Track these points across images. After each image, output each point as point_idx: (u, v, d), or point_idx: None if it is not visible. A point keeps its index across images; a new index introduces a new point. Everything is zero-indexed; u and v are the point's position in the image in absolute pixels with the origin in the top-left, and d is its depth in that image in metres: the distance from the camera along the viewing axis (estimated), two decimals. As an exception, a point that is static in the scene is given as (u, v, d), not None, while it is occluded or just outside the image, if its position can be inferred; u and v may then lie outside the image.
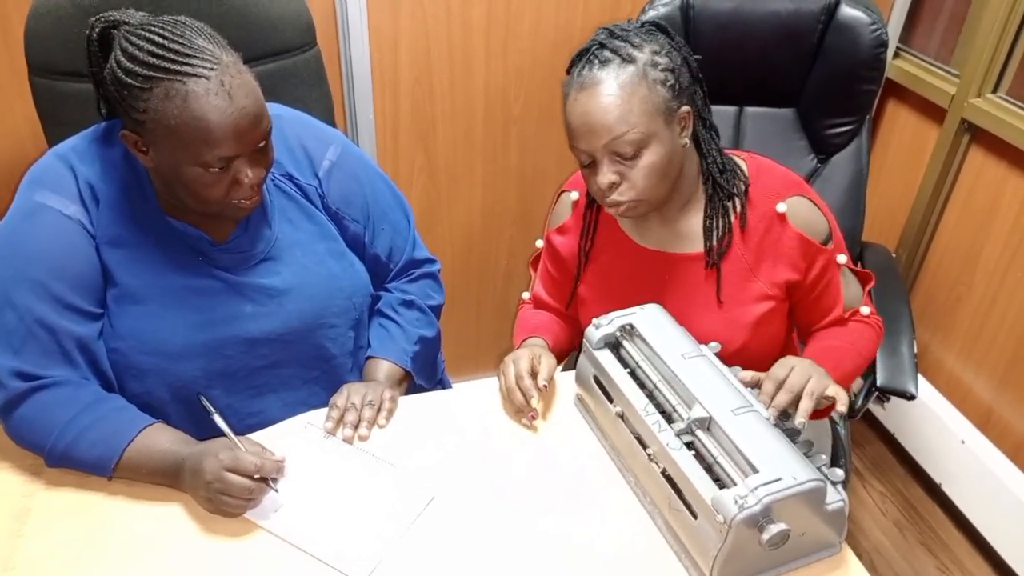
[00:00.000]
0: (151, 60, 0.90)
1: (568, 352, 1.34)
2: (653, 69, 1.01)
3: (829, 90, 1.52)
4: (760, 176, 1.14)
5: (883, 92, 1.99)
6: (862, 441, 2.14)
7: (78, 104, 1.25)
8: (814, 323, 1.20)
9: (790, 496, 0.85)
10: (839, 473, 0.91)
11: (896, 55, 1.96)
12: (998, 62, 1.71)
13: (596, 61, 1.01)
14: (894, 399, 1.38)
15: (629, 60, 1.01)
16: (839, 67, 1.49)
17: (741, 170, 1.13)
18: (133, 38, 0.92)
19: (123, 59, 0.92)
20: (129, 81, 0.91)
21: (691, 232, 1.15)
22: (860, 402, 1.42)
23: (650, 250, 1.18)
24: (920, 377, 1.97)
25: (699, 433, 0.94)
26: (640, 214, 1.09)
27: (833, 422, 1.42)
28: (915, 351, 1.38)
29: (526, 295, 1.36)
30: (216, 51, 0.93)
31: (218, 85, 0.91)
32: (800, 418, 0.94)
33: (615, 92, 1.00)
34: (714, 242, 1.13)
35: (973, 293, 1.86)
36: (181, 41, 0.92)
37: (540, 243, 1.31)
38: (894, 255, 1.66)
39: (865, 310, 1.20)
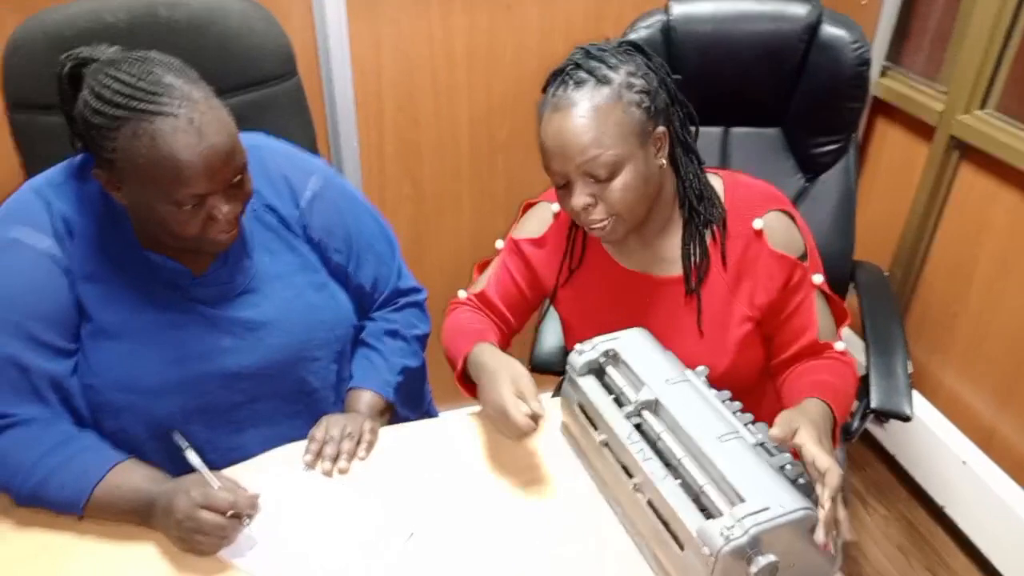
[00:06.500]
0: (118, 99, 0.89)
1: None
2: (628, 91, 1.00)
3: (814, 109, 1.51)
4: (736, 194, 1.12)
5: (871, 110, 1.99)
6: (862, 463, 2.10)
7: (57, 138, 1.23)
8: (785, 347, 1.15)
9: (778, 526, 0.82)
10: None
11: (883, 73, 1.96)
12: (985, 78, 1.71)
13: (571, 82, 1.00)
14: (892, 420, 1.35)
15: (604, 81, 1.00)
16: (823, 86, 1.48)
17: (718, 195, 1.12)
18: (101, 76, 0.91)
19: (91, 98, 0.91)
20: (97, 121, 0.90)
21: (670, 255, 1.14)
22: (856, 424, 1.40)
23: (631, 272, 1.16)
24: (919, 397, 1.95)
25: (684, 461, 0.92)
26: (618, 235, 1.07)
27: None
28: (909, 371, 1.35)
29: (463, 294, 1.27)
30: (185, 87, 0.92)
31: (187, 123, 0.90)
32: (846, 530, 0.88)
33: (589, 114, 0.99)
34: (692, 269, 1.11)
35: (969, 310, 1.84)
36: (149, 79, 0.90)
37: (500, 244, 1.27)
38: (887, 274, 1.64)
39: (840, 345, 1.14)
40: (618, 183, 1.01)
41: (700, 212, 1.10)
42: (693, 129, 1.11)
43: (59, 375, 1.01)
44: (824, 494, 0.84)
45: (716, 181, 1.13)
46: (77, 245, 1.02)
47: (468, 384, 1.14)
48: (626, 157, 1.00)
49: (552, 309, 1.31)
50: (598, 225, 1.05)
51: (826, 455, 0.87)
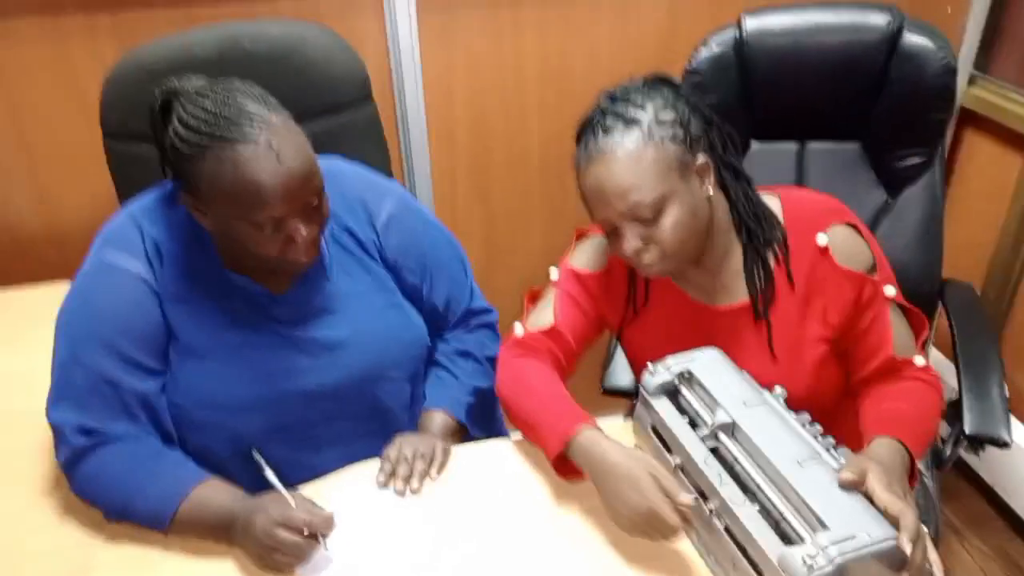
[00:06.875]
0: (203, 127, 0.93)
1: None
2: (659, 127, 0.98)
3: (897, 121, 1.46)
4: (795, 210, 1.09)
5: (959, 121, 1.91)
6: (958, 494, 1.99)
7: (150, 167, 1.30)
8: (861, 366, 1.10)
9: (865, 555, 0.78)
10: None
11: (971, 82, 1.88)
12: (1084, 85, 1.62)
13: (600, 130, 0.99)
14: (989, 448, 1.27)
15: (633, 122, 0.98)
16: (906, 97, 1.43)
17: (775, 215, 1.08)
18: (187, 106, 0.95)
19: (179, 127, 0.95)
20: (184, 149, 0.95)
21: (735, 282, 1.11)
22: (949, 451, 1.32)
23: (698, 304, 1.13)
24: (1018, 424, 1.83)
25: (763, 485, 0.89)
26: (673, 270, 1.05)
27: (919, 472, 1.32)
28: (1006, 393, 1.28)
29: (520, 328, 1.19)
30: (265, 113, 0.95)
31: (266, 147, 0.93)
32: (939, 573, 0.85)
33: (624, 159, 0.97)
34: (758, 294, 1.08)
35: (1072, 331, 1.73)
36: (231, 106, 0.94)
37: (554, 274, 1.21)
38: (980, 293, 1.56)
39: (920, 361, 1.08)
40: (666, 222, 0.99)
41: (759, 235, 1.07)
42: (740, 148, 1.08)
43: (148, 393, 1.05)
44: (903, 539, 0.80)
45: (772, 200, 1.10)
46: (166, 268, 1.07)
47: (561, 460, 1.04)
48: (669, 194, 0.98)
49: None
50: (653, 266, 1.03)
51: (897, 499, 0.83)
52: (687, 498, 0.91)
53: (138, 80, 1.28)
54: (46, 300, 1.10)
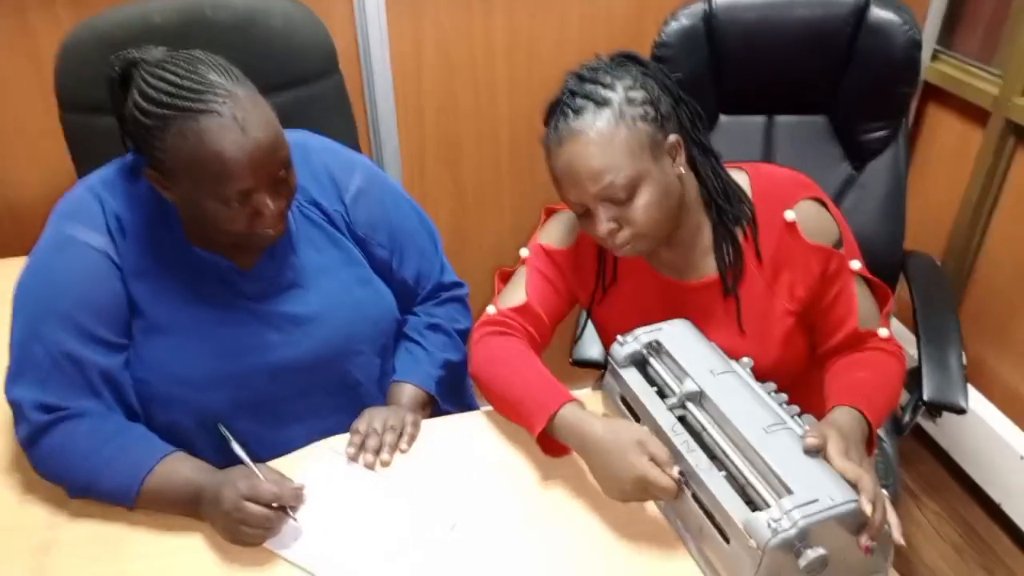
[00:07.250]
0: (165, 99, 0.91)
1: None
2: (630, 106, 0.97)
3: (862, 95, 1.47)
4: (763, 186, 1.09)
5: (922, 96, 1.94)
6: (914, 459, 2.05)
7: (109, 139, 1.26)
8: (827, 338, 1.12)
9: (827, 519, 0.80)
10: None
11: (934, 57, 1.91)
12: (1042, 60, 1.65)
13: (570, 111, 0.98)
14: (946, 414, 1.31)
15: (603, 103, 0.97)
16: (872, 71, 1.44)
17: (744, 191, 1.09)
18: (149, 77, 0.93)
19: (140, 100, 0.93)
20: (146, 121, 0.92)
21: (704, 259, 1.11)
22: (907, 417, 1.36)
23: (667, 279, 1.14)
24: (974, 391, 1.89)
25: (729, 453, 0.91)
26: (645, 249, 1.05)
27: (879, 438, 1.36)
28: (964, 362, 1.31)
29: (492, 310, 1.18)
30: (229, 84, 0.93)
31: (231, 119, 0.91)
32: (897, 534, 0.87)
33: (595, 140, 0.96)
34: (726, 270, 1.09)
35: (1027, 301, 1.78)
36: (193, 78, 0.92)
37: (525, 252, 1.20)
38: (940, 264, 1.59)
39: (883, 332, 1.10)
40: (639, 202, 0.98)
41: (728, 212, 1.07)
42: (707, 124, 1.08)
43: (112, 369, 1.03)
44: (862, 500, 0.82)
45: (740, 176, 1.11)
46: (129, 242, 1.04)
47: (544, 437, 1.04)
48: (642, 174, 0.98)
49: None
50: (625, 245, 1.02)
51: (854, 465, 0.85)
52: (673, 471, 0.92)
53: (95, 49, 1.25)
54: (2, 277, 1.07)
